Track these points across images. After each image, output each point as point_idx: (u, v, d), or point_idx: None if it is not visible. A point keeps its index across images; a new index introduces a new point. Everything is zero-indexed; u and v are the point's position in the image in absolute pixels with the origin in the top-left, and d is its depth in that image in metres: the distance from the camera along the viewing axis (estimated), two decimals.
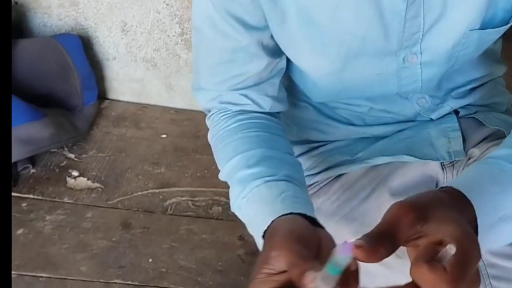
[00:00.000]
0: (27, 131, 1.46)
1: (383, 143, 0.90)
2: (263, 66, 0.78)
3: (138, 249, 1.33)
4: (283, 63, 0.82)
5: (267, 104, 0.82)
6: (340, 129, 0.92)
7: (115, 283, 1.26)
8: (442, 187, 0.58)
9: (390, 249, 0.48)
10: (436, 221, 0.50)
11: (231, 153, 0.77)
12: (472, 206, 0.55)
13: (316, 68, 0.79)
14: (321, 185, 0.92)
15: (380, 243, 0.48)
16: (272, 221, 0.63)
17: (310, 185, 0.93)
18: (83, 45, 1.68)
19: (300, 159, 0.95)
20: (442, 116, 0.90)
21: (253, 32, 0.75)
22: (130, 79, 1.78)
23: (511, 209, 0.59)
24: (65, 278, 1.27)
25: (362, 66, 0.77)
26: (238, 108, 0.81)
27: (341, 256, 0.47)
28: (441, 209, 0.52)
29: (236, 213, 0.76)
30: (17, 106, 1.47)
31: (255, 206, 0.69)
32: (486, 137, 0.91)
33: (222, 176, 0.79)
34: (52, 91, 1.63)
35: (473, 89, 0.91)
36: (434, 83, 0.84)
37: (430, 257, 0.47)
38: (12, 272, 1.27)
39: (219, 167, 0.80)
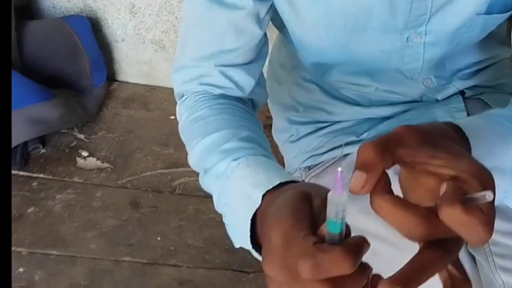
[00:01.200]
0: (37, 111, 1.47)
1: (388, 123, 0.91)
2: (255, 42, 0.76)
3: (147, 228, 1.35)
4: (267, 46, 0.81)
5: (250, 86, 0.78)
6: (346, 109, 0.92)
7: (124, 260, 1.28)
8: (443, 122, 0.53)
9: (390, 160, 0.44)
10: (447, 151, 0.45)
11: (213, 129, 0.70)
12: (469, 145, 0.52)
13: (319, 40, 0.78)
14: (327, 164, 0.93)
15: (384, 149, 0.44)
16: (281, 183, 0.57)
17: (316, 164, 0.94)
18: (92, 27, 1.69)
19: (306, 139, 0.96)
20: (448, 97, 0.91)
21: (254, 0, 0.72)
22: (139, 61, 1.80)
23: (505, 163, 0.57)
24: (75, 256, 1.29)
25: (366, 41, 0.76)
26: (220, 91, 0.77)
27: (336, 197, 0.43)
28: (451, 141, 0.48)
29: (207, 182, 0.68)
30: (27, 87, 1.49)
31: (253, 169, 0.61)
32: None
33: (194, 154, 0.71)
34: (62, 73, 1.64)
35: (479, 70, 0.92)
36: (435, 63, 0.84)
37: (460, 197, 0.42)
38: (23, 249, 1.29)
39: (191, 147, 0.72)
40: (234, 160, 0.63)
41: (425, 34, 0.76)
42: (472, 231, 0.41)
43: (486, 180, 0.44)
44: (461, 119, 0.59)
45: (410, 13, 0.73)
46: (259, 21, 0.74)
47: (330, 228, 0.44)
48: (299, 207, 0.47)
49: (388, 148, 0.44)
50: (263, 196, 0.56)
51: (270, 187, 0.56)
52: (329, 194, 0.43)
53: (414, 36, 0.76)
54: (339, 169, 0.42)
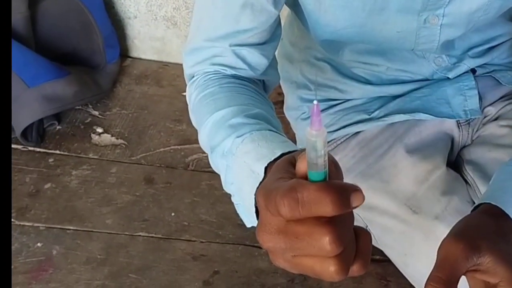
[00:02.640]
0: (52, 89, 1.49)
1: (399, 101, 0.91)
2: (270, 23, 0.75)
3: (161, 204, 1.37)
4: (280, 28, 0.81)
5: (263, 66, 0.78)
6: (358, 88, 0.93)
7: (139, 235, 1.31)
8: (479, 206, 0.60)
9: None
10: (489, 254, 0.53)
11: (222, 105, 0.69)
12: None
13: (336, 21, 0.77)
14: (338, 142, 0.94)
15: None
16: (283, 154, 0.54)
17: (328, 142, 0.95)
18: (104, 4, 1.69)
19: None
20: (459, 75, 0.91)
21: None
22: (151, 38, 1.80)
23: None
24: (91, 231, 1.32)
25: (383, 22, 0.76)
26: (232, 72, 0.77)
27: (313, 137, 0.38)
28: (491, 239, 0.55)
29: (215, 160, 0.67)
30: (42, 65, 1.50)
31: (257, 143, 0.59)
32: (503, 96, 0.92)
33: (204, 132, 0.70)
34: (75, 50, 1.65)
35: (490, 48, 0.92)
36: (448, 43, 0.84)
37: None
38: (41, 224, 1.32)
39: (201, 125, 0.71)
40: (238, 137, 0.62)
41: (442, 16, 0.76)
42: None
43: None
44: (494, 190, 0.63)
45: None
46: (275, 1, 0.73)
47: (312, 177, 0.40)
48: (283, 168, 0.45)
49: (446, 279, 0.52)
50: (266, 169, 0.53)
51: (272, 158, 0.53)
52: (306, 132, 0.38)
53: (431, 18, 0.76)
54: (315, 102, 0.38)
